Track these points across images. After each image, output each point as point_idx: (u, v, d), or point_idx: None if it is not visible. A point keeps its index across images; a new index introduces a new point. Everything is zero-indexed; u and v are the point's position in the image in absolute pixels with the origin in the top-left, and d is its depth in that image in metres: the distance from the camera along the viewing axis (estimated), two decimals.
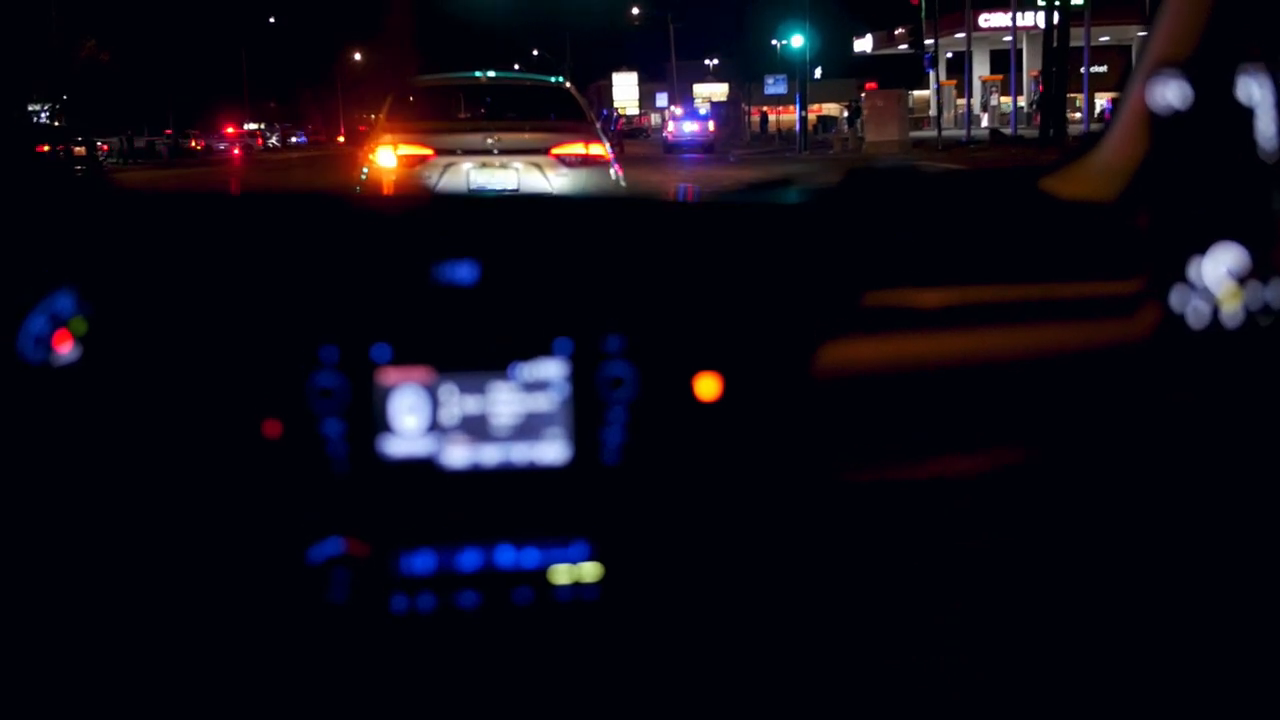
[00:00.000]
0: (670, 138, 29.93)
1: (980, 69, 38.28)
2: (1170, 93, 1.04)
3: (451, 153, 5.92)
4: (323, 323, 1.07)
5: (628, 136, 33.31)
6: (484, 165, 5.95)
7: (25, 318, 1.03)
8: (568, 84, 7.05)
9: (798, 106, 24.17)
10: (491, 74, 7.20)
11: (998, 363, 1.12)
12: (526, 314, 1.10)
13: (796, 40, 23.13)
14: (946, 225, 1.19)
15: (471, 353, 1.08)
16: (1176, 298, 1.04)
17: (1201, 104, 1.05)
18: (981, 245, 1.17)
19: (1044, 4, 23.72)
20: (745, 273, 1.13)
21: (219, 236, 1.12)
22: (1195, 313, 1.03)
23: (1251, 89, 1.03)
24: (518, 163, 5.95)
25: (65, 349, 1.03)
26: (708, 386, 1.09)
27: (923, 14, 22.35)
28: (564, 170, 6.00)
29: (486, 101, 7.10)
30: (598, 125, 6.77)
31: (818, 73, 58.90)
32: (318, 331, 1.06)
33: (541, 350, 1.09)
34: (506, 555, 1.06)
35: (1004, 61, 35.12)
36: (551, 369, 1.09)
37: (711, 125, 30.07)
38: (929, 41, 22.92)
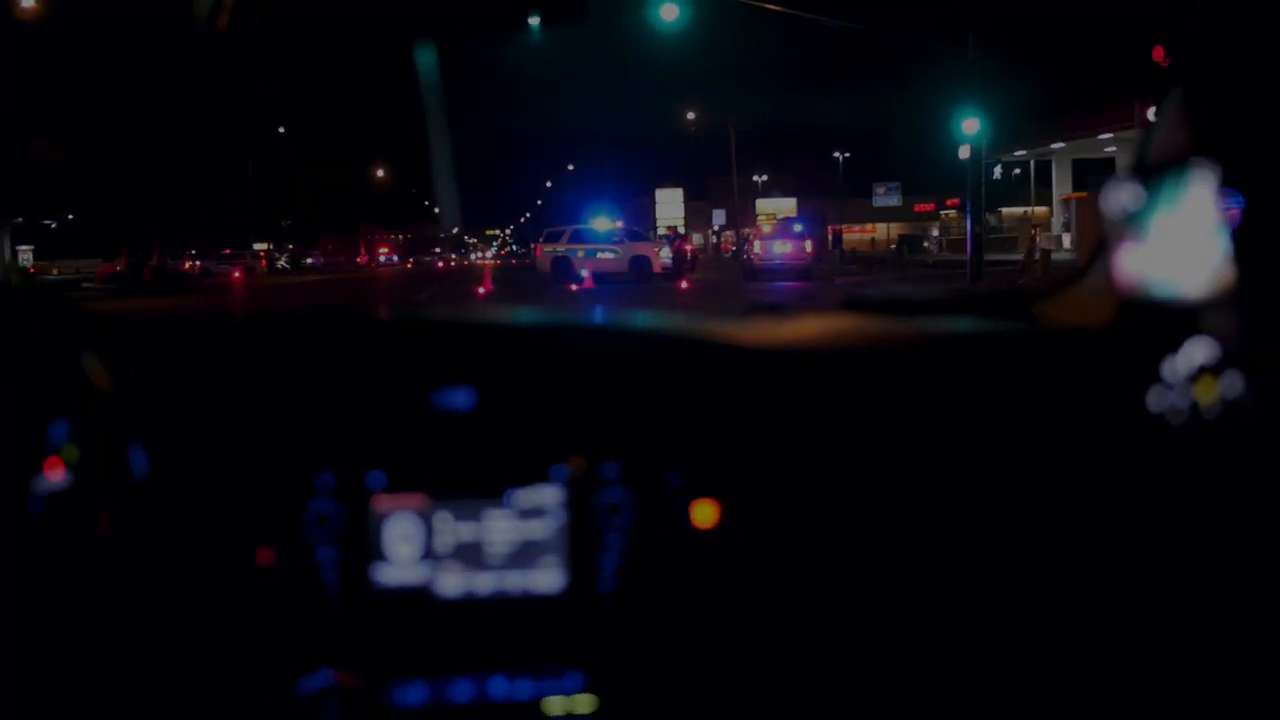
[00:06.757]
0: (756, 261, 23.62)
1: (1062, 185, 32.32)
2: (1124, 198, 1.06)
3: None
4: (318, 449, 1.06)
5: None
6: None
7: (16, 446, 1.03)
8: None
9: (968, 219, 17.53)
10: None
11: (991, 488, 1.10)
12: (522, 440, 1.09)
13: (970, 125, 16.44)
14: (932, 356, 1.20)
15: (467, 479, 1.08)
16: (1154, 398, 1.05)
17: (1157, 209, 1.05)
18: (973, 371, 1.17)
19: None
20: (744, 400, 1.12)
21: (215, 361, 1.12)
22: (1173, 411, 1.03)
23: (1200, 193, 1.02)
24: None
25: (56, 476, 1.01)
26: (705, 513, 1.08)
27: None
28: None
29: None
30: None
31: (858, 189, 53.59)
32: (313, 458, 1.06)
33: (538, 477, 1.08)
34: (500, 686, 1.05)
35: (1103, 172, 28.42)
36: (547, 496, 1.08)
37: (808, 245, 23.77)
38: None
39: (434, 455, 1.07)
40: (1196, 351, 1.00)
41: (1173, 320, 1.02)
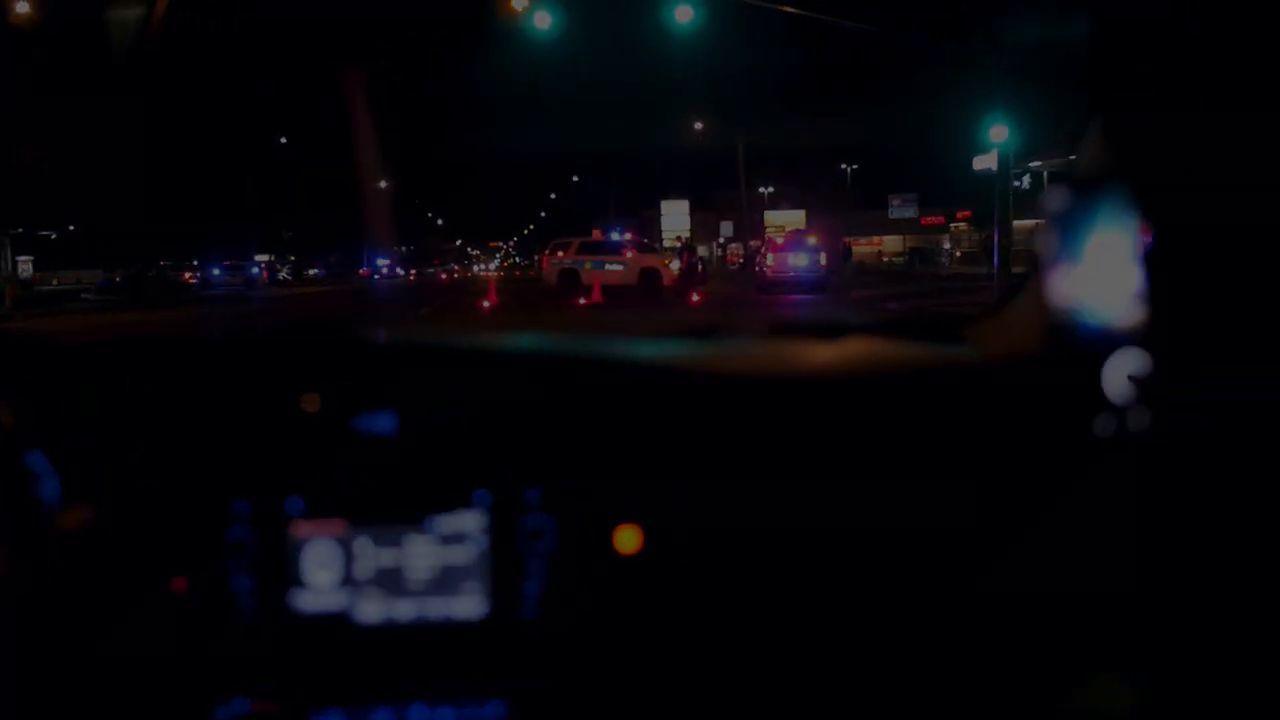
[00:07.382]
0: (770, 273, 22.94)
1: None
2: (1056, 201, 1.06)
3: None
4: (235, 474, 1.05)
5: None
6: None
7: None
8: None
9: (995, 230, 16.84)
10: None
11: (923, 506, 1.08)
12: (444, 465, 1.08)
13: (998, 132, 15.78)
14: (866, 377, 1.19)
15: (387, 505, 1.06)
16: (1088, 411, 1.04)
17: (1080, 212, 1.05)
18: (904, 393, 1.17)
19: None
20: (667, 426, 1.11)
21: (131, 386, 1.11)
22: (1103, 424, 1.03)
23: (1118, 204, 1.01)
24: None
25: None
26: (628, 539, 1.06)
27: None
28: None
29: None
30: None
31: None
32: (230, 484, 1.04)
33: (459, 502, 1.07)
34: (420, 714, 1.03)
35: None
36: (469, 521, 1.07)
37: (823, 257, 23.15)
38: None
39: (354, 480, 1.05)
40: (1124, 376, 0.99)
41: (1101, 345, 0.99)
